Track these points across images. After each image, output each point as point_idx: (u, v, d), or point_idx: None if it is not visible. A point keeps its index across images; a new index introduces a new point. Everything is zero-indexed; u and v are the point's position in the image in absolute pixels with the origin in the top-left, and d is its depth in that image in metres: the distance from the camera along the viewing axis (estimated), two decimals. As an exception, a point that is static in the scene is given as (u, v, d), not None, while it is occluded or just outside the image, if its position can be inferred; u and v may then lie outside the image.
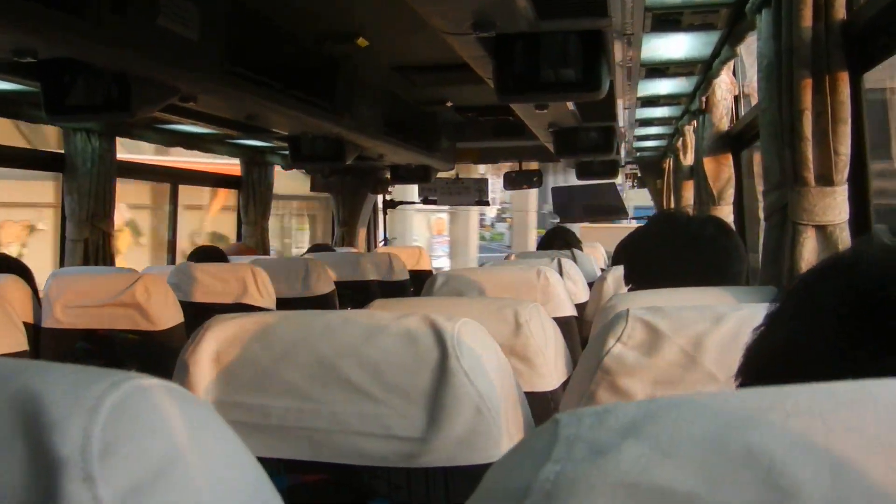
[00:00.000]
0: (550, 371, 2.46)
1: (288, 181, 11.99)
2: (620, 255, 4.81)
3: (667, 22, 4.26)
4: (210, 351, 1.70)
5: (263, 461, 1.64)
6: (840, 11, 2.79)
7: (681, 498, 0.46)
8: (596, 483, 0.48)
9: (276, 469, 1.66)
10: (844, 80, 2.77)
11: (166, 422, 0.75)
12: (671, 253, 2.54)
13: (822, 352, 0.84)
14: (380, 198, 12.32)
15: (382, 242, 12.86)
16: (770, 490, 0.45)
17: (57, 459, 0.66)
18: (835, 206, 2.79)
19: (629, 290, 2.67)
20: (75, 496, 0.66)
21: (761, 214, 3.45)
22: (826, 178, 2.78)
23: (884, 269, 0.83)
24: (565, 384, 2.39)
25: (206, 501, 0.76)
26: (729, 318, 1.51)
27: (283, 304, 5.41)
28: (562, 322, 3.24)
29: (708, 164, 5.88)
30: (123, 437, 0.70)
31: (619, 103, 6.04)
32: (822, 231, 2.81)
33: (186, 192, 8.96)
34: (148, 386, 0.76)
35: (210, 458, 0.78)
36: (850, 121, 2.76)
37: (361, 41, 5.73)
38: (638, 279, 2.65)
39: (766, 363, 0.93)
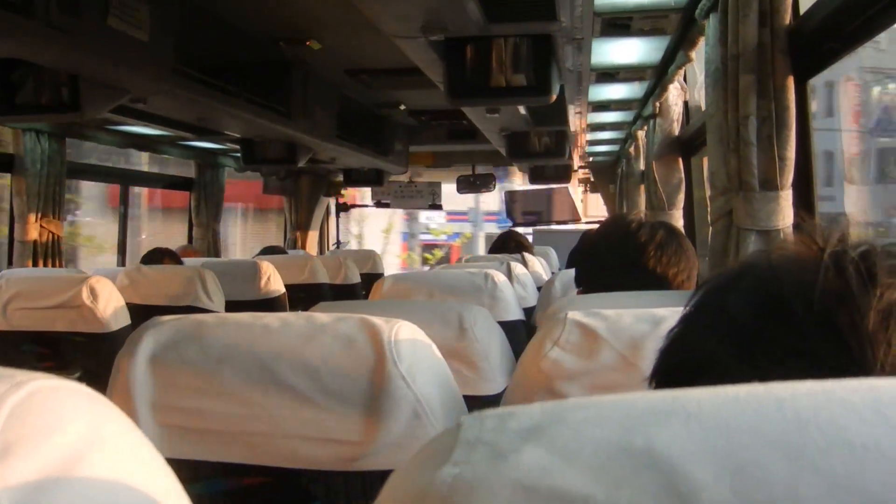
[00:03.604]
0: (495, 375, 2.46)
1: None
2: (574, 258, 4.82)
3: (616, 27, 4.27)
4: (147, 353, 1.68)
5: (202, 464, 1.64)
6: (786, 17, 2.81)
7: (579, 501, 0.46)
8: (493, 486, 0.47)
9: (214, 472, 1.65)
10: (789, 85, 2.79)
11: (70, 422, 0.74)
12: (621, 257, 2.54)
13: (733, 357, 0.84)
14: (332, 201, 12.30)
15: (335, 245, 12.83)
16: (669, 493, 0.45)
17: None
18: (779, 212, 2.81)
19: (579, 292, 2.68)
20: None
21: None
22: (770, 184, 2.80)
23: (794, 279, 0.83)
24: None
25: (109, 501, 0.75)
26: (668, 321, 1.50)
27: (233, 306, 5.37)
28: (509, 326, 3.24)
29: (658, 168, 5.91)
30: (24, 437, 0.69)
31: (570, 108, 6.07)
32: (767, 236, 2.82)
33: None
34: (51, 386, 0.75)
35: (115, 458, 0.77)
36: (794, 126, 2.78)
37: (314, 43, 5.72)
38: (589, 282, 2.65)
39: (678, 366, 0.93)
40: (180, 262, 6.05)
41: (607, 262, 2.59)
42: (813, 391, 0.51)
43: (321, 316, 1.68)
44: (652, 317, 1.54)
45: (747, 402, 0.50)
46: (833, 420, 0.48)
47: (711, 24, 3.17)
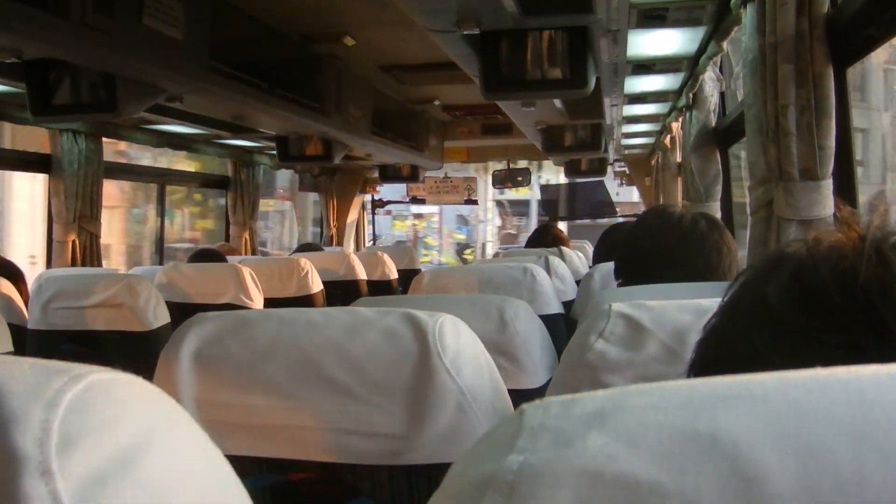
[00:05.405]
0: (536, 369, 2.45)
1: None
2: (601, 251, 4.79)
3: (652, 18, 4.25)
4: (191, 350, 1.69)
5: (246, 460, 1.64)
6: (824, 5, 2.79)
7: (645, 487, 0.45)
8: (559, 472, 0.47)
9: (259, 468, 1.66)
10: (828, 74, 2.77)
11: (128, 415, 0.75)
12: (663, 249, 2.52)
13: (772, 350, 0.83)
14: (368, 197, 12.33)
15: (371, 242, 12.86)
16: (736, 478, 0.45)
17: (15, 454, 0.65)
18: (820, 201, 2.79)
19: (619, 285, 2.66)
20: (32, 491, 0.65)
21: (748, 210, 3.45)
22: (810, 173, 2.78)
23: (833, 267, 0.82)
24: (551, 381, 2.38)
25: (168, 494, 0.75)
26: (711, 311, 1.49)
27: (272, 304, 5.40)
28: (549, 320, 3.23)
29: (695, 160, 5.88)
30: (83, 430, 0.69)
31: (606, 100, 6.05)
32: (808, 226, 2.80)
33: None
34: (110, 379, 0.75)
35: (173, 450, 0.77)
36: (834, 115, 2.76)
37: (348, 40, 5.74)
38: (629, 274, 2.63)
39: (716, 359, 0.92)
40: (224, 261, 6.07)
41: (649, 254, 2.57)
42: (877, 373, 0.50)
43: (365, 310, 1.68)
44: (696, 307, 1.53)
45: (811, 385, 0.49)
46: None
47: (749, 14, 3.15)
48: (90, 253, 6.58)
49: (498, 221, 30.63)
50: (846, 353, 0.78)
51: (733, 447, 0.46)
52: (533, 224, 30.76)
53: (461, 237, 29.81)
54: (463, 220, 30.00)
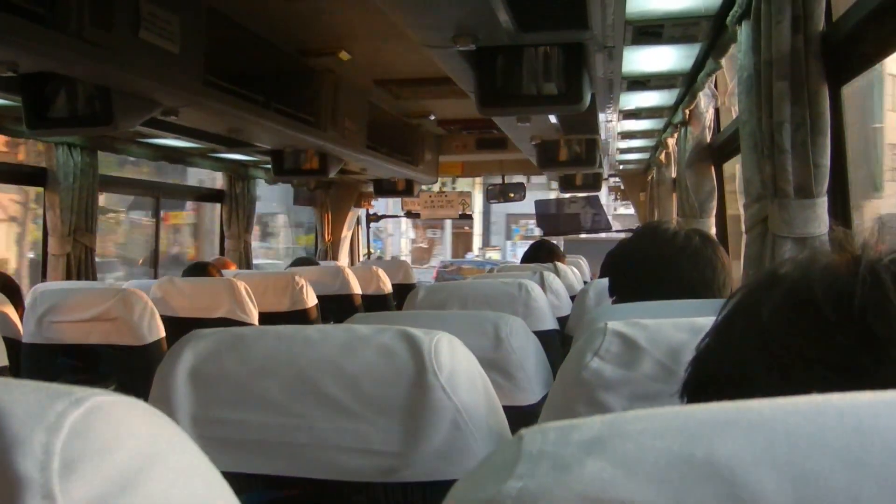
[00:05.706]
0: (531, 385, 2.45)
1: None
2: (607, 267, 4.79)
3: (648, 34, 4.26)
4: (187, 366, 1.69)
5: (242, 477, 1.64)
6: (819, 23, 2.80)
7: None
8: (558, 498, 0.47)
9: (255, 484, 1.65)
10: (823, 91, 2.77)
11: (129, 437, 0.75)
12: (657, 265, 2.52)
13: (769, 370, 0.83)
14: (363, 211, 12.33)
15: (365, 256, 12.85)
16: (732, 503, 0.45)
17: (17, 478, 0.65)
18: (815, 219, 2.79)
19: (613, 301, 2.66)
20: None
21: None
22: (806, 191, 2.78)
23: (828, 288, 0.82)
24: (546, 398, 2.37)
25: None
26: (706, 330, 1.49)
27: (267, 318, 5.39)
28: (544, 336, 3.22)
29: (690, 176, 5.88)
30: (85, 453, 0.70)
31: (601, 116, 6.06)
32: (803, 243, 2.80)
33: None
34: (111, 402, 0.75)
35: (173, 473, 0.78)
36: (829, 133, 2.76)
37: (344, 54, 5.74)
38: (622, 291, 2.63)
39: (711, 378, 0.92)
40: (220, 275, 6.07)
41: (642, 270, 2.57)
42: (873, 401, 0.51)
43: (361, 328, 1.68)
44: (691, 325, 1.53)
45: (808, 411, 0.50)
46: (893, 429, 0.47)
47: (744, 31, 3.15)
48: (85, 266, 6.56)
49: (412, 234, 30.44)
50: (841, 375, 0.78)
51: (730, 473, 0.46)
52: (447, 237, 30.61)
53: (374, 251, 29.77)
54: (375, 233, 29.95)
